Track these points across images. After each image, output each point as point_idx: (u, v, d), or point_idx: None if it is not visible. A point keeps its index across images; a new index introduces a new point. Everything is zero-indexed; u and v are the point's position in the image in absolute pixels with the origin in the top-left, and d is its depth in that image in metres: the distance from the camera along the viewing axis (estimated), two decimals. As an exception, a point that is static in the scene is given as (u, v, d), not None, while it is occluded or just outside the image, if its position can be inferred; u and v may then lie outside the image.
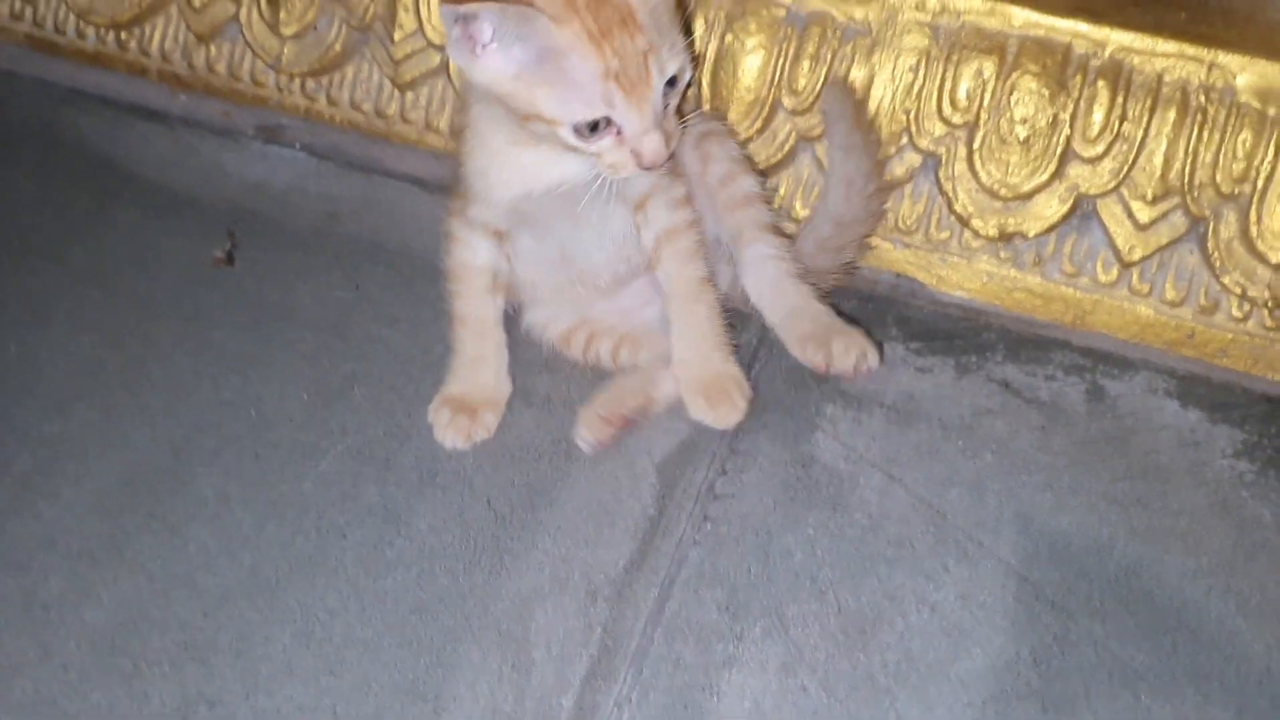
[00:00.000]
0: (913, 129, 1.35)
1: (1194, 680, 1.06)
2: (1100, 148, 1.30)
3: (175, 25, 1.62)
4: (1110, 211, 1.32)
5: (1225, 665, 1.07)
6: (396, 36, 1.49)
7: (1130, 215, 1.31)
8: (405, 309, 1.35)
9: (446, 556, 1.14)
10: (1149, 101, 1.29)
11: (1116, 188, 1.31)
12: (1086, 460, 1.22)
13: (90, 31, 1.65)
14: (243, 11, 1.57)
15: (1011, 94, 1.31)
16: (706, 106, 1.40)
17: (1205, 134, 1.28)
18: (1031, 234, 1.34)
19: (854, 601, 1.11)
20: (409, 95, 1.51)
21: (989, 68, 1.31)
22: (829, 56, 1.35)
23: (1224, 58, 1.27)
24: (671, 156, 1.12)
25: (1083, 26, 1.29)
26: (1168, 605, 1.11)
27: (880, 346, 1.30)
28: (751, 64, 1.37)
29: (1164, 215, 1.31)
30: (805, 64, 1.36)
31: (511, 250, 1.27)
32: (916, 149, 1.36)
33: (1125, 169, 1.30)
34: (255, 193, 1.52)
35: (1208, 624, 1.10)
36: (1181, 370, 1.32)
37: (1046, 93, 1.30)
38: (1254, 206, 1.27)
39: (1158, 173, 1.30)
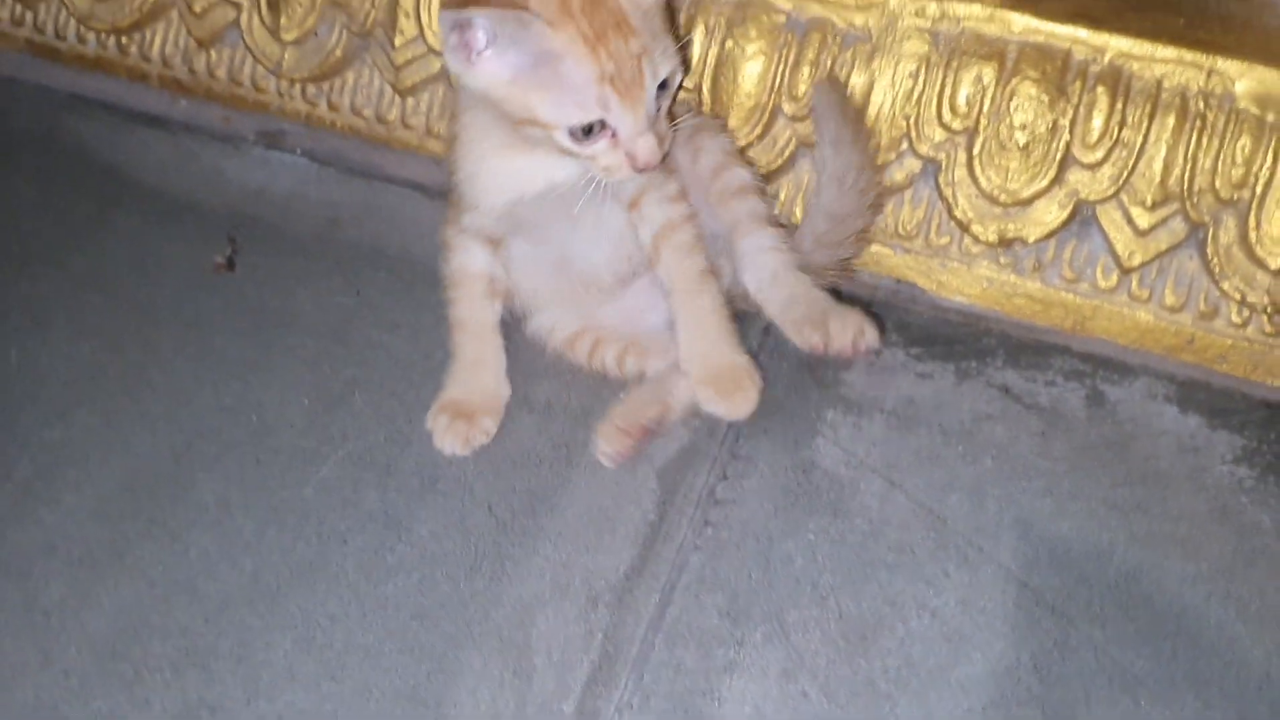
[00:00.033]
0: (913, 135, 1.35)
1: (1194, 686, 1.06)
2: (1100, 154, 1.30)
3: (176, 31, 1.62)
4: (1110, 217, 1.32)
5: (1225, 671, 1.07)
6: (397, 42, 1.50)
7: (1130, 221, 1.32)
8: (406, 314, 1.35)
9: (447, 562, 1.14)
10: (1148, 107, 1.29)
11: (1116, 194, 1.31)
12: (1086, 466, 1.23)
13: (91, 37, 1.65)
14: (243, 17, 1.57)
15: (1011, 100, 1.31)
16: (706, 111, 1.40)
17: (1204, 140, 1.28)
18: (1031, 239, 1.35)
19: (854, 607, 1.11)
20: (410, 101, 1.52)
21: (989, 74, 1.32)
22: (829, 63, 1.35)
23: (1223, 64, 1.27)
24: (665, 158, 1.13)
25: (1082, 33, 1.30)
26: (1167, 611, 1.11)
27: (881, 324, 1.29)
28: (752, 70, 1.37)
29: (1163, 221, 1.31)
30: (805, 70, 1.37)
31: (508, 257, 1.27)
32: (916, 155, 1.36)
33: (1125, 175, 1.30)
34: (256, 198, 1.52)
35: (1207, 629, 1.10)
36: (1181, 376, 1.32)
37: (1046, 99, 1.30)
38: (1253, 212, 1.28)
39: (1157, 179, 1.30)
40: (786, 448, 1.24)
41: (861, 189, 1.33)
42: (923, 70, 1.34)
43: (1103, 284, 1.34)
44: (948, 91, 1.33)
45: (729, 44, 1.37)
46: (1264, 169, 1.27)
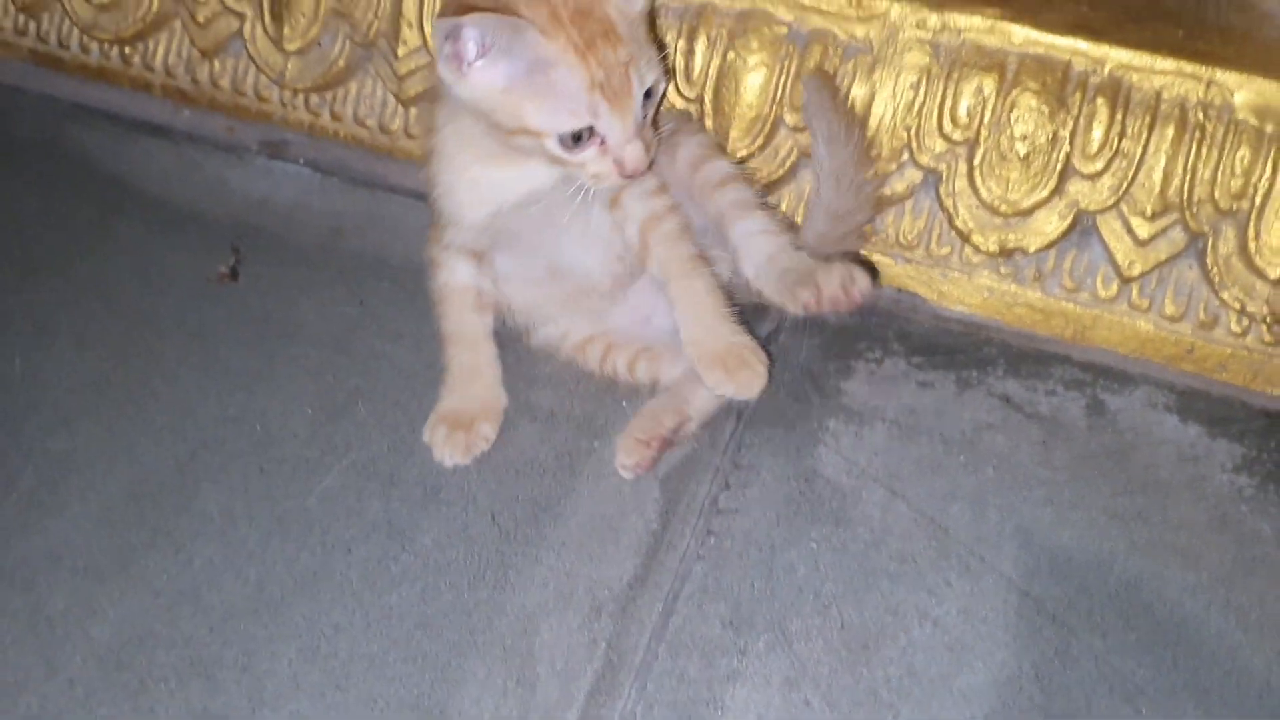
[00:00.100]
0: (914, 146, 1.36)
1: (1194, 694, 1.06)
2: (1100, 164, 1.31)
3: (179, 40, 1.62)
4: (1110, 227, 1.33)
5: (1225, 679, 1.07)
6: (400, 52, 1.50)
7: (1130, 231, 1.32)
8: (409, 324, 1.35)
9: (451, 572, 1.14)
10: (1148, 118, 1.30)
11: (1116, 204, 1.32)
12: (1087, 475, 1.23)
13: (94, 47, 1.66)
14: (247, 27, 1.57)
15: (1012, 111, 1.32)
16: (709, 121, 1.41)
17: (1204, 150, 1.29)
18: (1032, 249, 1.35)
19: (857, 616, 1.11)
20: (413, 111, 1.52)
21: (989, 85, 1.32)
22: (830, 74, 1.36)
23: (1222, 75, 1.28)
24: (650, 165, 1.14)
25: (1082, 44, 1.30)
26: (1168, 620, 1.12)
27: (874, 272, 1.27)
28: (753, 81, 1.38)
29: (1163, 231, 1.32)
30: (807, 81, 1.37)
31: (499, 275, 1.28)
32: (917, 165, 1.37)
33: (1125, 185, 1.31)
34: (259, 208, 1.52)
35: (1208, 638, 1.10)
36: (1181, 385, 1.33)
37: (1046, 110, 1.31)
38: (1252, 222, 1.28)
39: (1157, 189, 1.31)
40: (789, 457, 1.24)
41: (860, 184, 1.34)
42: (924, 82, 1.35)
43: (1103, 294, 1.35)
44: (948, 103, 1.34)
45: (731, 55, 1.38)
46: (1263, 179, 1.28)
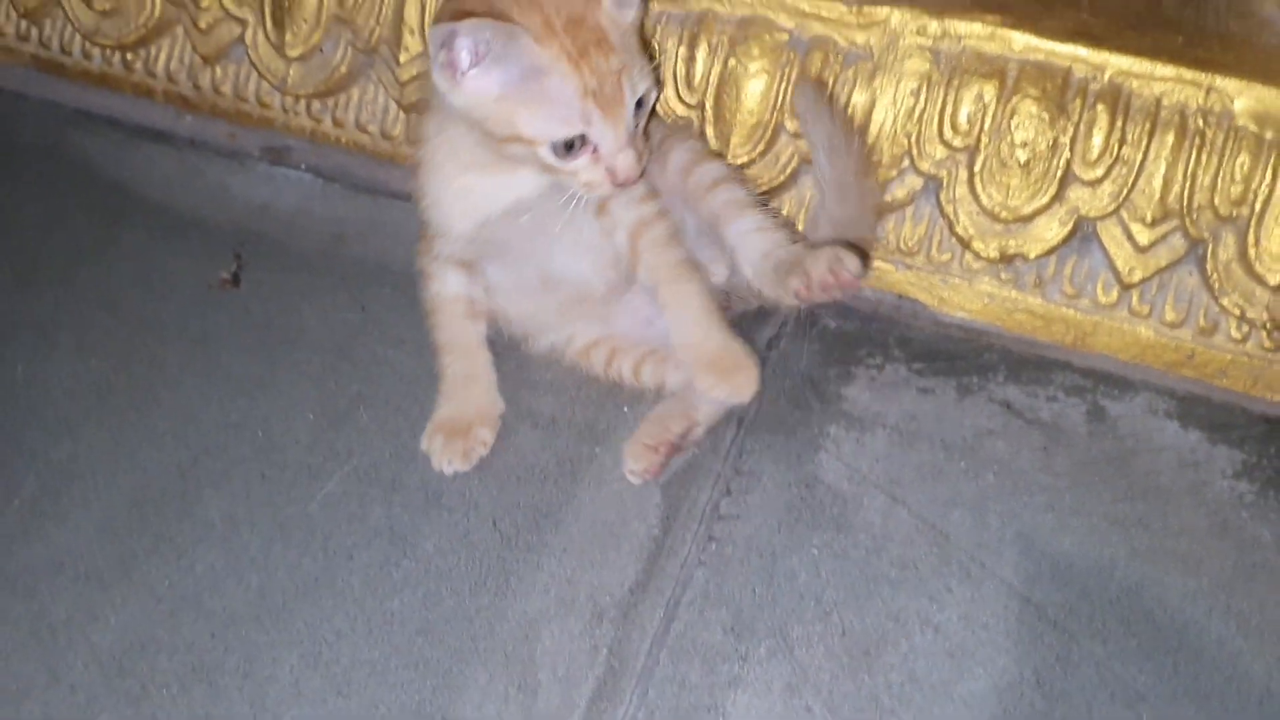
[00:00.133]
0: (914, 152, 1.36)
1: (1195, 700, 1.06)
2: (1100, 171, 1.31)
3: (181, 47, 1.63)
4: (1110, 234, 1.33)
5: (1226, 685, 1.08)
6: (402, 59, 1.50)
7: (1130, 237, 1.32)
8: (411, 330, 1.35)
9: (452, 578, 1.14)
10: (1148, 125, 1.30)
11: (1116, 210, 1.32)
12: (1088, 481, 1.23)
13: (96, 53, 1.66)
14: (248, 33, 1.58)
15: (1012, 118, 1.32)
16: (710, 129, 1.41)
17: (1203, 157, 1.29)
18: (1032, 256, 1.35)
19: (858, 622, 1.11)
20: (414, 117, 1.52)
21: (989, 92, 1.33)
22: (831, 81, 1.36)
23: (1221, 82, 1.28)
24: (642, 173, 1.15)
25: (1082, 51, 1.31)
26: (1169, 626, 1.12)
27: (866, 257, 1.26)
28: (754, 88, 1.38)
29: (1163, 237, 1.32)
30: (807, 87, 1.37)
31: (489, 286, 1.28)
32: (918, 172, 1.37)
33: (1125, 192, 1.31)
34: (261, 214, 1.53)
35: (1209, 644, 1.10)
36: (1181, 391, 1.33)
37: (1046, 116, 1.31)
38: (1252, 229, 1.29)
39: (1157, 195, 1.31)
40: (790, 463, 1.24)
41: (863, 191, 1.34)
42: (924, 88, 1.35)
43: (1103, 300, 1.35)
44: (949, 109, 1.34)
45: (732, 62, 1.38)
46: (1263, 186, 1.28)
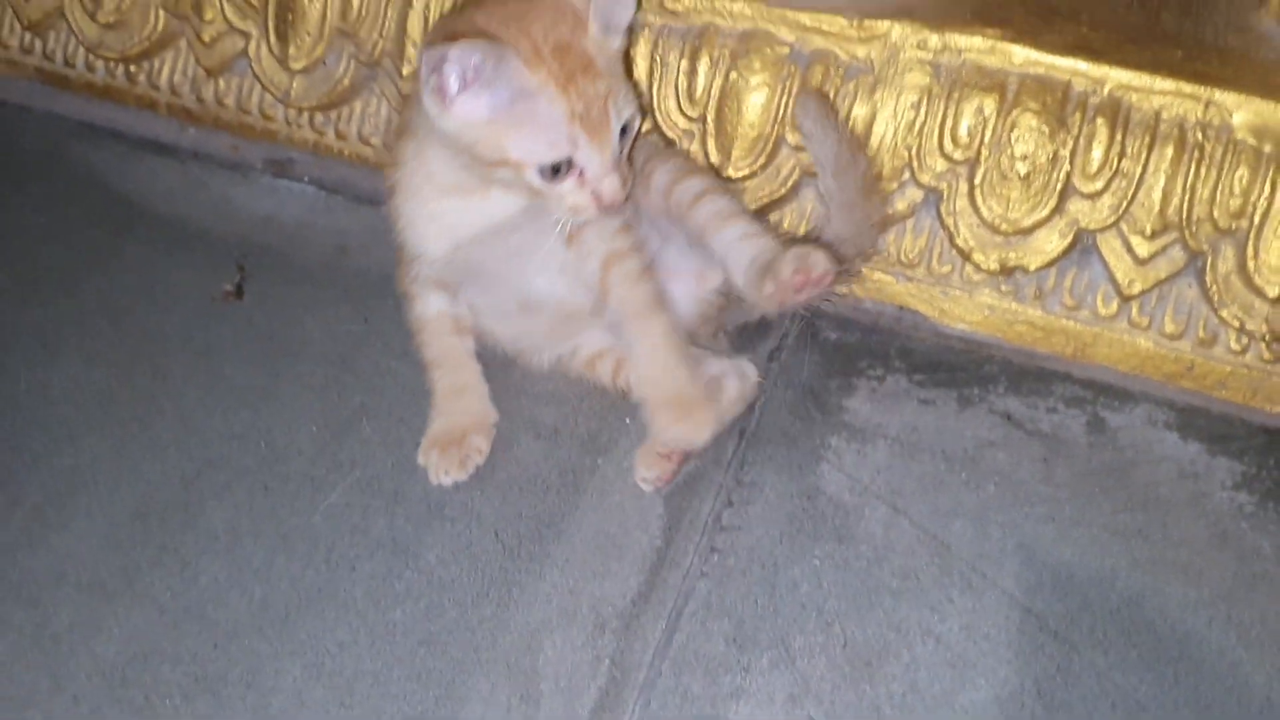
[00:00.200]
0: (915, 165, 1.37)
1: (1196, 711, 1.07)
2: (1100, 183, 1.32)
3: (185, 59, 1.63)
4: (1110, 246, 1.34)
5: (1226, 696, 1.08)
6: (405, 71, 1.51)
7: (1129, 250, 1.33)
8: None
9: (455, 589, 1.14)
10: (1147, 138, 1.31)
11: (1116, 223, 1.33)
12: (1088, 492, 1.24)
13: (100, 65, 1.67)
14: (252, 46, 1.58)
15: (1012, 131, 1.33)
16: (711, 139, 1.42)
17: (1203, 170, 1.30)
18: (1032, 268, 1.36)
19: (860, 633, 1.11)
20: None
21: (990, 105, 1.33)
22: (832, 94, 1.37)
23: (1220, 95, 1.29)
24: (627, 198, 1.15)
25: (1082, 65, 1.31)
26: (1169, 636, 1.12)
27: (841, 259, 1.25)
28: (755, 101, 1.39)
29: (1163, 250, 1.32)
30: (808, 100, 1.38)
31: (473, 307, 1.29)
32: (918, 184, 1.37)
33: (1124, 204, 1.32)
34: (264, 226, 1.53)
35: (1209, 655, 1.11)
36: (1181, 402, 1.33)
37: (1047, 129, 1.32)
38: (1251, 241, 1.29)
39: (1156, 208, 1.31)
40: (791, 474, 1.25)
41: (869, 208, 1.35)
42: (924, 101, 1.36)
43: (1103, 311, 1.36)
44: (949, 122, 1.35)
45: (733, 75, 1.39)
46: (1261, 199, 1.29)
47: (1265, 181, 1.28)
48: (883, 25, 1.35)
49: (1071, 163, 1.32)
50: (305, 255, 1.49)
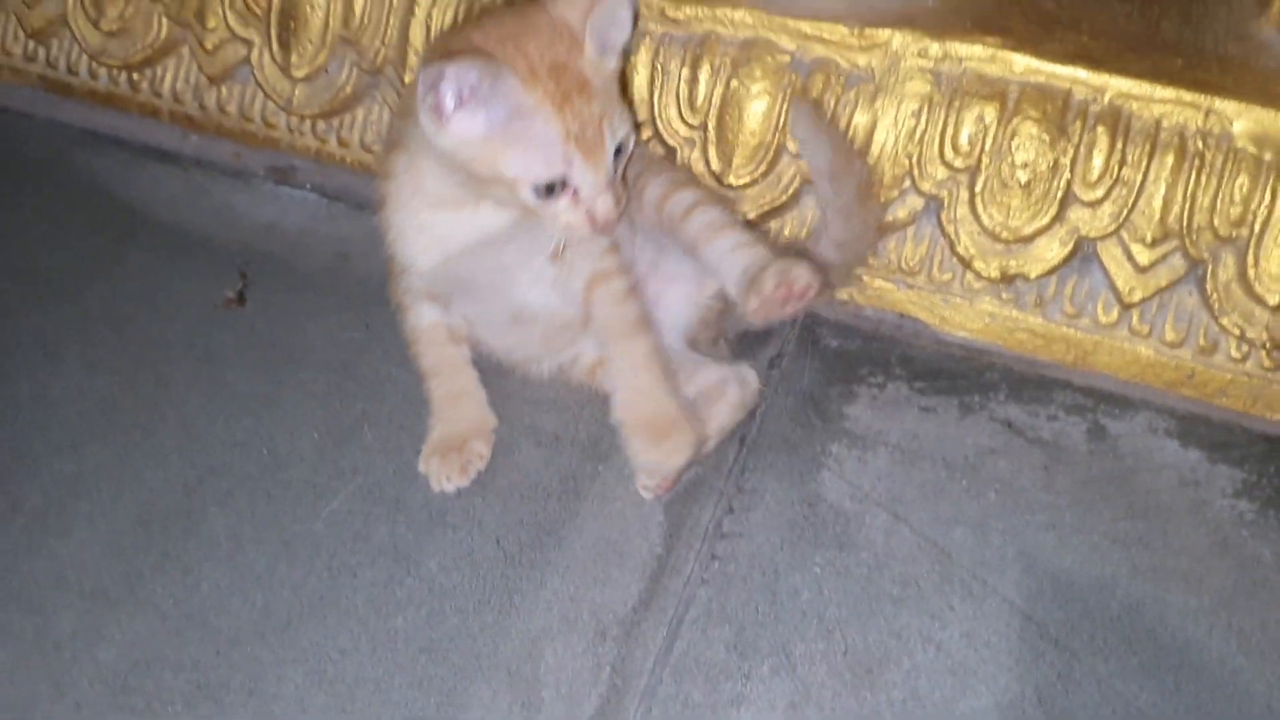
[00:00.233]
0: (915, 173, 1.37)
1: (1196, 718, 1.07)
2: (1100, 192, 1.32)
3: (187, 67, 1.64)
4: (1110, 254, 1.34)
5: (1227, 703, 1.08)
6: (407, 79, 1.51)
7: (1130, 258, 1.33)
8: (415, 349, 1.36)
9: (456, 596, 1.15)
10: (1147, 146, 1.31)
11: (1116, 231, 1.33)
12: (1089, 499, 1.24)
13: (103, 73, 1.67)
14: (254, 54, 1.59)
15: (1013, 139, 1.33)
16: (711, 147, 1.42)
17: (1203, 178, 1.30)
18: (1033, 276, 1.36)
19: (860, 640, 1.12)
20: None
21: (990, 113, 1.34)
22: (833, 102, 1.37)
23: (1220, 104, 1.29)
24: (620, 216, 1.15)
25: (1082, 73, 1.32)
26: (1170, 643, 1.12)
27: (824, 270, 1.24)
28: (756, 109, 1.39)
29: (1163, 258, 1.33)
30: (809, 108, 1.38)
31: (467, 318, 1.30)
32: (919, 192, 1.38)
33: (1125, 212, 1.32)
34: (266, 233, 1.54)
35: (1209, 662, 1.11)
36: (1181, 410, 1.34)
37: (1047, 138, 1.32)
38: (1251, 249, 1.29)
39: (1157, 216, 1.32)
40: (792, 481, 1.25)
41: (866, 214, 1.35)
42: (925, 110, 1.36)
43: (1104, 319, 1.36)
44: (950, 130, 1.35)
45: (734, 83, 1.39)
46: (1262, 207, 1.29)
47: (1265, 189, 1.29)
48: (884, 34, 1.36)
49: (1072, 171, 1.33)
50: (307, 262, 1.49)
